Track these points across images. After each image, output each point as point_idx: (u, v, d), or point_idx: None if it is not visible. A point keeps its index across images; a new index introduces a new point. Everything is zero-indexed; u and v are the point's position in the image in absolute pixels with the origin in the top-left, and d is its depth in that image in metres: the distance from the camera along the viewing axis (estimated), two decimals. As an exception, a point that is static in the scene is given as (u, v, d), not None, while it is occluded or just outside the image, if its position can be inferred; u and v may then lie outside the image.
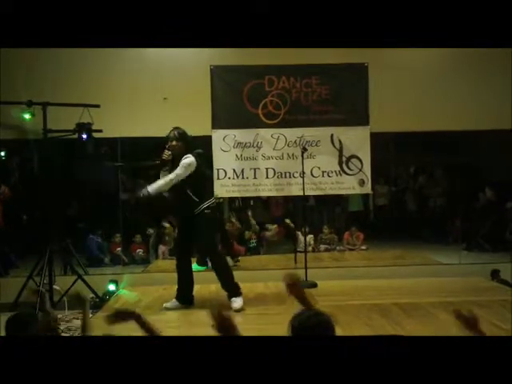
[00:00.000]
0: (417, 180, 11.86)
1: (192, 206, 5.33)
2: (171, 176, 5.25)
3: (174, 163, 5.30)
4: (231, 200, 10.05)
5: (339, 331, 2.94)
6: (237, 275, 6.77)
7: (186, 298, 5.55)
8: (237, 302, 5.36)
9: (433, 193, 11.23)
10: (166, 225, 9.20)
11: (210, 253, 5.69)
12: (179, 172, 5.24)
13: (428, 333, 4.44)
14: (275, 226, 9.49)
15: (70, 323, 5.86)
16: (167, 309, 5.45)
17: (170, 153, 5.32)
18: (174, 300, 5.52)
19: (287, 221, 9.28)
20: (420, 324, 4.73)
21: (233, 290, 5.47)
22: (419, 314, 5.08)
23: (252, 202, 10.20)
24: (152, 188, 5.29)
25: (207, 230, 5.46)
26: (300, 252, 7.70)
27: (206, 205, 5.35)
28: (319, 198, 9.76)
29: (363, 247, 9.55)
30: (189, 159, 5.26)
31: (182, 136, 5.35)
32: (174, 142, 5.33)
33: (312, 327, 2.57)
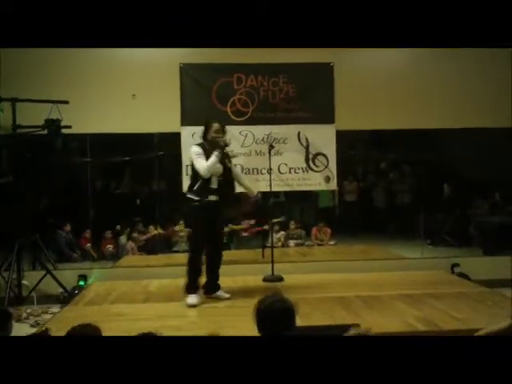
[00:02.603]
0: (386, 176, 12.10)
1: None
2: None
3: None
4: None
5: (299, 321, 3.08)
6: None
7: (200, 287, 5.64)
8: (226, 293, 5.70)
9: (400, 189, 11.48)
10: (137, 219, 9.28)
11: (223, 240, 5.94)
12: None
13: (386, 323, 4.64)
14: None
15: (38, 317, 5.91)
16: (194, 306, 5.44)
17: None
18: (197, 295, 5.54)
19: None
20: (379, 315, 4.91)
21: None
22: (379, 305, 5.26)
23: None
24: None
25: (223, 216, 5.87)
26: (268, 247, 7.85)
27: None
28: (289, 194, 9.90)
29: (331, 242, 9.72)
30: None
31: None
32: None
33: (275, 312, 2.74)
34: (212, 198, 5.44)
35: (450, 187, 10.41)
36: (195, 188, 5.45)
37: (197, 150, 5.47)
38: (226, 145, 5.48)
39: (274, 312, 2.75)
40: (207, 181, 5.43)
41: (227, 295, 5.66)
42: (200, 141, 5.59)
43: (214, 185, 5.48)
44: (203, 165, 5.38)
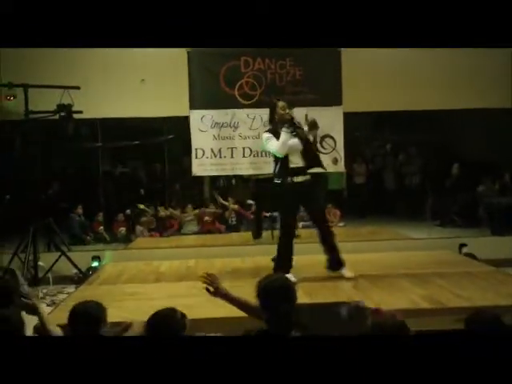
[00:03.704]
0: (394, 158, 12.14)
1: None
2: None
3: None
4: (214, 179, 10.29)
5: (306, 299, 3.17)
6: (217, 251, 7.10)
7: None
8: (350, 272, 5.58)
9: (409, 171, 11.53)
10: (141, 206, 9.43)
11: (326, 220, 5.74)
12: None
13: (392, 301, 4.73)
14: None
15: (54, 297, 6.08)
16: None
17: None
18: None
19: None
20: (385, 293, 4.99)
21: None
22: (385, 284, 5.33)
23: (234, 182, 10.44)
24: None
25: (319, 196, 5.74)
26: (277, 229, 7.95)
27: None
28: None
29: (340, 224, 9.80)
30: None
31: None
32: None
33: (275, 289, 2.81)
34: (298, 178, 5.29)
35: (460, 168, 10.42)
36: (276, 171, 5.35)
37: (266, 135, 5.37)
38: (293, 118, 5.26)
39: (274, 288, 2.81)
40: (285, 160, 5.28)
41: (351, 274, 5.50)
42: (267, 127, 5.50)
43: (296, 163, 5.30)
44: (275, 144, 5.25)
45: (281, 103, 5.40)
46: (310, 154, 5.37)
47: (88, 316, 2.81)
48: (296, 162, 5.30)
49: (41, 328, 3.24)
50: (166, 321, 2.66)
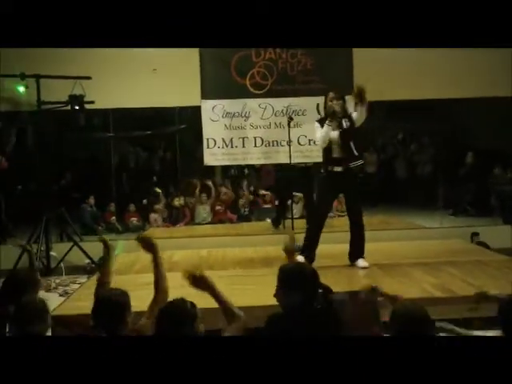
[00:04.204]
0: (407, 147, 12.08)
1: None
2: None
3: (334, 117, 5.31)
4: (226, 169, 10.30)
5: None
6: (230, 241, 7.09)
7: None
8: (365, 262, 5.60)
9: (421, 159, 11.46)
10: (158, 190, 9.44)
11: (360, 211, 5.74)
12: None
13: (404, 289, 4.72)
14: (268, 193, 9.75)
15: (67, 287, 6.13)
16: None
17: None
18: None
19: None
20: (397, 282, 4.99)
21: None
22: (397, 273, 5.34)
23: (246, 171, 10.45)
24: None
25: (357, 188, 5.65)
26: (289, 218, 7.95)
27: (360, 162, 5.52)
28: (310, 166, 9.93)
29: (350, 212, 9.75)
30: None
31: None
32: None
33: (296, 276, 2.82)
34: (338, 168, 5.36)
35: (473, 156, 10.35)
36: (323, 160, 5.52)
37: (315, 124, 5.49)
38: (335, 111, 5.25)
39: (295, 276, 2.81)
40: (326, 150, 5.40)
41: (365, 264, 5.57)
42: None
43: (336, 154, 5.37)
44: (318, 136, 5.41)
45: (330, 94, 5.45)
46: (345, 147, 5.36)
47: (113, 303, 2.82)
48: (337, 153, 5.39)
49: (60, 317, 3.26)
50: (176, 311, 2.67)
